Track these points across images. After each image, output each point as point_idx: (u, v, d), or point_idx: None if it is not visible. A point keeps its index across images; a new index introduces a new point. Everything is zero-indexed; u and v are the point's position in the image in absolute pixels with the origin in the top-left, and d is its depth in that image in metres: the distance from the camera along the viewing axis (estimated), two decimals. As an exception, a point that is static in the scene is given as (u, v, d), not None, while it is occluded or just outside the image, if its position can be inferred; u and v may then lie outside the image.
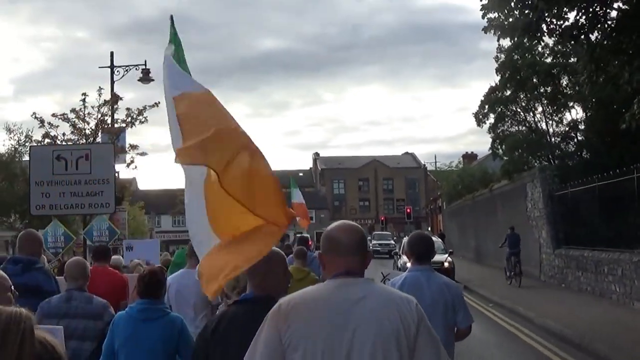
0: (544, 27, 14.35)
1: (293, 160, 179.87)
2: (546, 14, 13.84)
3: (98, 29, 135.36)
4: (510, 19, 14.81)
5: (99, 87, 22.40)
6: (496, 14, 14.95)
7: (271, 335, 2.75)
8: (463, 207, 43.88)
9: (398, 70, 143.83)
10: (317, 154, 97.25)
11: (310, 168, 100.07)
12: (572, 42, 15.89)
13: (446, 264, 23.77)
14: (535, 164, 27.75)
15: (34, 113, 21.43)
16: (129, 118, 22.65)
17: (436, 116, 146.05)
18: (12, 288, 3.45)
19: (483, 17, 15.06)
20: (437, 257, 23.65)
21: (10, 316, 1.57)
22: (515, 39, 16.04)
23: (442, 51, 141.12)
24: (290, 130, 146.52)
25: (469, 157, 67.72)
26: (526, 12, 14.03)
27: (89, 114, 22.04)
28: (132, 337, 4.68)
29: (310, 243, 35.37)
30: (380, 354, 2.70)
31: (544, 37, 16.60)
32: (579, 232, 21.43)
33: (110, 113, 22.55)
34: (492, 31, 14.98)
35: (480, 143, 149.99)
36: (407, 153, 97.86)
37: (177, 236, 62.93)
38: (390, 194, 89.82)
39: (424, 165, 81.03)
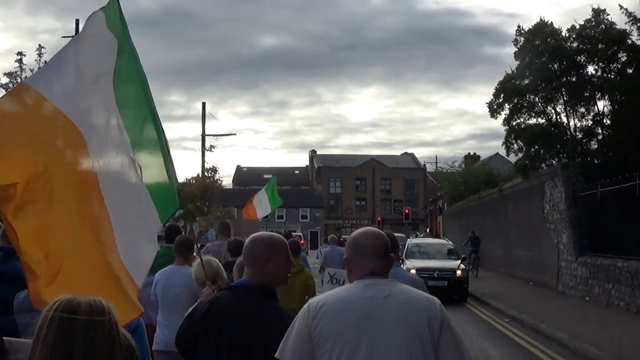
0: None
1: (290, 160, 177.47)
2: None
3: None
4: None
5: (39, 45, 19.55)
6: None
7: (302, 331, 2.95)
8: (467, 208, 41.06)
9: (400, 73, 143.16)
10: (314, 152, 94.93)
11: (307, 166, 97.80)
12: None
13: (459, 273, 20.60)
14: (553, 161, 24.92)
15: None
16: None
17: (436, 120, 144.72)
18: None
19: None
20: (447, 264, 21.28)
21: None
22: None
23: (444, 55, 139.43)
24: (289, 130, 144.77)
25: (471, 158, 65.11)
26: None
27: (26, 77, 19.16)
28: None
29: (302, 242, 32.71)
30: (405, 350, 2.85)
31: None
32: (608, 238, 18.60)
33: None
34: None
35: (481, 148, 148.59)
36: (406, 153, 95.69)
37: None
38: (387, 195, 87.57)
39: (424, 165, 78.44)
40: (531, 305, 18.04)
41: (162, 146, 4.10)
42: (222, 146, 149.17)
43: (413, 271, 17.91)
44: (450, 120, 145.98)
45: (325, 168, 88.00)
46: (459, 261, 21.64)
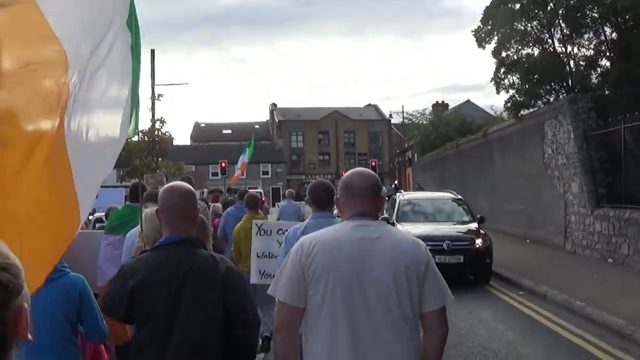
0: None
1: (250, 115, 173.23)
2: None
3: None
4: None
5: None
6: None
7: (294, 268, 3.05)
8: (441, 158, 37.50)
9: (361, 27, 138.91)
10: (274, 105, 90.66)
11: (267, 120, 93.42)
12: None
13: (479, 242, 14.18)
14: (550, 98, 21.28)
15: None
16: None
17: (398, 74, 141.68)
18: None
19: None
20: (460, 229, 15.12)
21: None
22: None
23: (406, 7, 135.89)
24: (249, 86, 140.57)
25: (440, 107, 61.57)
26: None
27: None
28: None
29: (263, 199, 29.28)
30: (392, 286, 2.99)
31: None
32: (634, 186, 15.12)
33: None
34: None
35: (446, 101, 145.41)
36: (370, 105, 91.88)
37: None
38: (352, 148, 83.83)
39: (390, 115, 74.52)
40: (543, 271, 14.50)
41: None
42: (178, 101, 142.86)
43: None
44: (412, 74, 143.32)
45: (286, 122, 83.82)
46: (476, 223, 15.40)
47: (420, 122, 55.83)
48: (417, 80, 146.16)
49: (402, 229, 14.13)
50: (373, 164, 52.54)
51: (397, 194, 18.42)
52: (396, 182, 60.24)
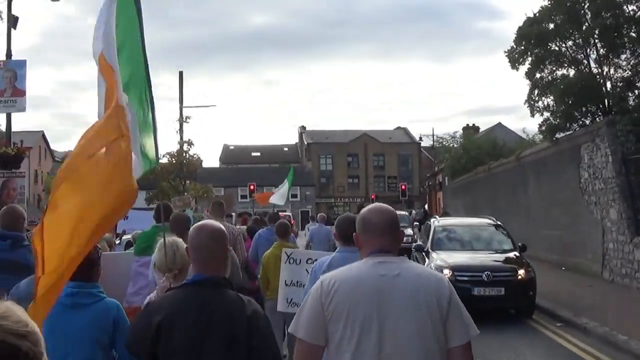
0: None
1: (280, 137, 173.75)
2: None
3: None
4: None
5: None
6: None
7: (314, 306, 3.05)
8: (472, 182, 36.79)
9: (391, 50, 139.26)
10: (303, 127, 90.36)
11: (296, 143, 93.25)
12: None
13: (521, 273, 13.00)
14: (586, 121, 20.63)
15: None
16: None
17: (428, 97, 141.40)
18: None
19: None
20: (500, 258, 13.94)
21: None
22: None
23: (436, 30, 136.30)
24: (280, 107, 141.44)
25: (471, 130, 60.86)
26: None
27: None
28: (59, 326, 4.03)
29: (292, 222, 28.84)
30: (414, 324, 2.93)
31: None
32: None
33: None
34: None
35: (476, 124, 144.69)
36: (399, 128, 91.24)
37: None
38: (381, 171, 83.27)
39: (420, 138, 73.83)
40: (581, 301, 13.80)
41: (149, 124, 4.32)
42: (207, 123, 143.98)
43: (447, 272, 12.38)
44: (441, 96, 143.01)
45: (315, 144, 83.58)
46: (517, 252, 14.28)
47: (451, 145, 55.24)
48: (446, 103, 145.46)
49: (437, 258, 13.61)
50: (403, 187, 52.04)
51: (432, 220, 17.07)
52: (426, 206, 59.58)
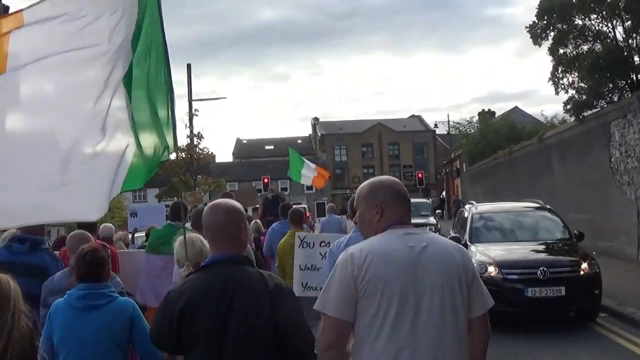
0: None
1: (293, 130, 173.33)
2: None
3: None
4: None
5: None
6: None
7: (345, 280, 2.88)
8: (492, 167, 35.74)
9: (401, 39, 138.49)
10: (316, 119, 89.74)
11: (310, 135, 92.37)
12: None
13: (584, 266, 10.81)
14: (614, 97, 19.56)
15: None
16: None
17: (439, 85, 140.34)
18: None
19: None
20: (556, 250, 12.00)
21: None
22: None
23: (445, 19, 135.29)
24: (292, 102, 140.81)
25: (488, 115, 59.57)
26: None
27: None
28: (73, 330, 4.04)
29: (308, 214, 27.82)
30: (447, 294, 2.90)
31: None
32: None
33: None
34: None
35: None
36: (413, 116, 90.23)
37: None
38: (396, 160, 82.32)
39: (436, 124, 72.58)
40: (622, 288, 12.78)
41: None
42: (219, 118, 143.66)
43: (492, 269, 10.59)
44: (453, 85, 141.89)
45: (329, 135, 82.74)
46: (572, 240, 12.15)
47: (468, 130, 54.10)
48: (458, 91, 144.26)
49: (478, 252, 11.45)
50: (420, 175, 51.06)
51: (467, 207, 14.42)
52: (443, 193, 58.50)
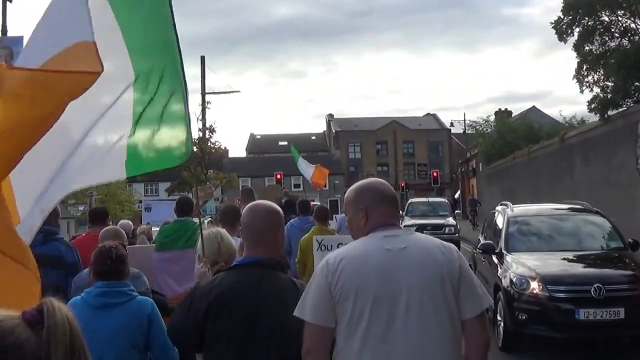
0: None
1: (307, 126, 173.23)
2: None
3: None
4: None
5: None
6: None
7: (321, 288, 2.88)
8: (510, 167, 35.05)
9: (416, 37, 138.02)
10: (331, 116, 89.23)
11: (324, 131, 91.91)
12: None
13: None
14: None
15: None
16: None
17: (455, 84, 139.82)
18: None
19: None
20: (610, 260, 10.19)
21: None
22: None
23: (461, 18, 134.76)
24: (306, 99, 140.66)
25: (504, 114, 58.79)
26: None
27: None
28: (89, 329, 3.49)
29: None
30: (427, 296, 2.81)
31: None
32: None
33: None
34: None
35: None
36: (429, 114, 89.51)
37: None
38: (411, 158, 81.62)
39: (452, 122, 71.87)
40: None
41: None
42: (233, 113, 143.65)
43: (535, 286, 9.00)
44: (468, 84, 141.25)
45: (343, 132, 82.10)
46: (627, 249, 10.35)
47: (485, 129, 53.38)
48: (473, 90, 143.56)
49: (517, 263, 9.79)
50: (435, 174, 50.56)
51: (501, 208, 12.42)
52: (458, 193, 57.82)
